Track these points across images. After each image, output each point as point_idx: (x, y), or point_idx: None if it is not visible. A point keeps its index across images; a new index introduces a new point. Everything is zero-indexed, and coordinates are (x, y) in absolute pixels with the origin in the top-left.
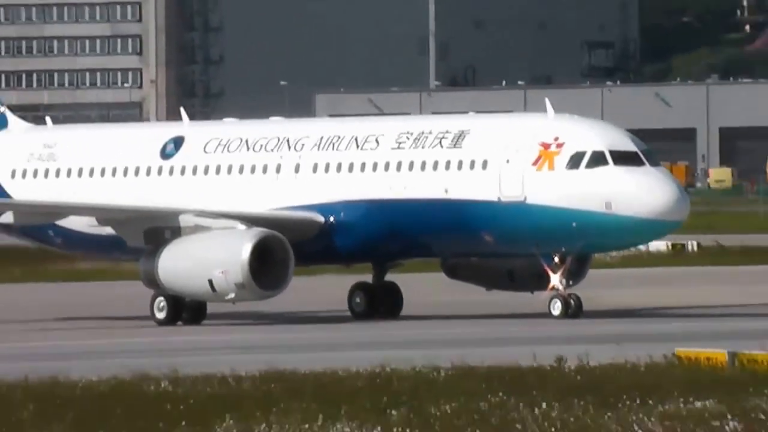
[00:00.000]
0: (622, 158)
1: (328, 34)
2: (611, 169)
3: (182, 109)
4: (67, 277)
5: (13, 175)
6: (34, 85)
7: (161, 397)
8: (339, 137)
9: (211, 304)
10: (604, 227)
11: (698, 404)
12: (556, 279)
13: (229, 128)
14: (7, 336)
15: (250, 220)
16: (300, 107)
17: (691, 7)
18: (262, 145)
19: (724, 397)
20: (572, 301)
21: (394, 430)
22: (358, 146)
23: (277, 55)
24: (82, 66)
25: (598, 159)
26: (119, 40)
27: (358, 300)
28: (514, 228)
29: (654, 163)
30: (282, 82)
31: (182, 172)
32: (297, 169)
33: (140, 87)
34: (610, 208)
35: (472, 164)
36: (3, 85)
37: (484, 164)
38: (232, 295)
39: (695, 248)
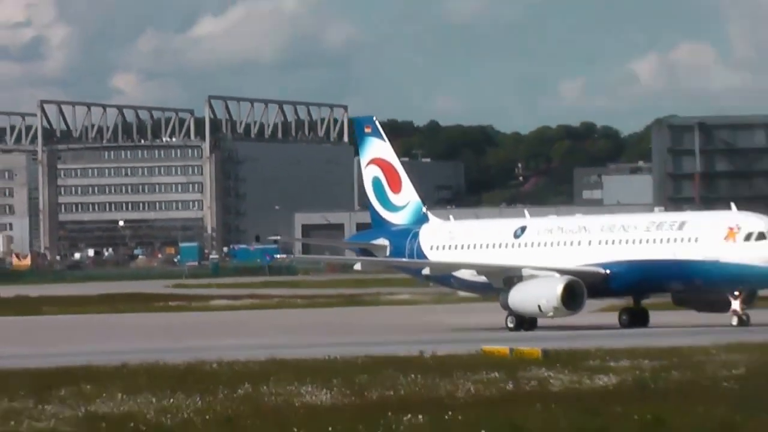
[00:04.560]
0: None
1: (299, 179)
2: None
3: (525, 210)
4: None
5: (431, 248)
6: (146, 209)
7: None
8: (614, 224)
9: (540, 320)
10: (765, 275)
11: (492, 374)
12: (736, 304)
13: (552, 221)
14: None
15: (562, 272)
16: (285, 223)
17: (493, 166)
18: (570, 230)
19: (506, 371)
20: (744, 317)
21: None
22: (624, 230)
23: (274, 191)
24: (171, 199)
25: (760, 236)
26: (190, 185)
27: (624, 317)
28: (713, 276)
29: None
30: (276, 207)
31: (527, 245)
32: (591, 243)
33: (201, 209)
34: None
35: (689, 240)
36: (124, 209)
37: (697, 239)
38: (551, 314)
39: None
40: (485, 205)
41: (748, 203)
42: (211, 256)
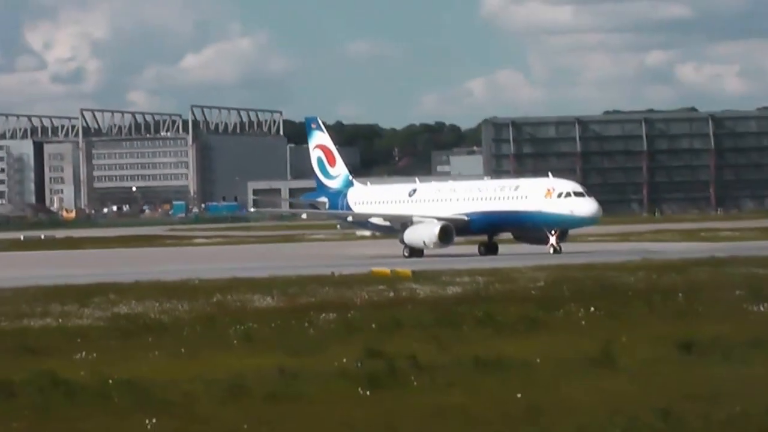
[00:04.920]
0: (577, 194)
1: (251, 160)
2: (573, 198)
3: (416, 179)
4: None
5: (355, 203)
6: (151, 180)
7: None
8: (473, 188)
9: (425, 251)
10: (570, 220)
11: (379, 287)
12: (553, 240)
13: (434, 185)
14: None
15: (439, 219)
16: (242, 188)
17: (378, 150)
18: (445, 191)
19: (388, 284)
20: (558, 248)
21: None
22: (480, 191)
23: (234, 167)
24: (167, 173)
25: (568, 194)
26: (179, 164)
27: (481, 249)
28: (537, 222)
29: (590, 196)
30: (236, 178)
31: (416, 201)
32: (458, 200)
33: (187, 180)
34: (573, 213)
35: (522, 197)
36: (136, 179)
37: (526, 197)
38: (431, 247)
39: None
40: (373, 176)
41: (545, 174)
42: (193, 210)
